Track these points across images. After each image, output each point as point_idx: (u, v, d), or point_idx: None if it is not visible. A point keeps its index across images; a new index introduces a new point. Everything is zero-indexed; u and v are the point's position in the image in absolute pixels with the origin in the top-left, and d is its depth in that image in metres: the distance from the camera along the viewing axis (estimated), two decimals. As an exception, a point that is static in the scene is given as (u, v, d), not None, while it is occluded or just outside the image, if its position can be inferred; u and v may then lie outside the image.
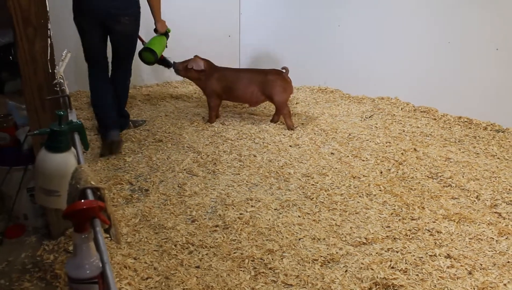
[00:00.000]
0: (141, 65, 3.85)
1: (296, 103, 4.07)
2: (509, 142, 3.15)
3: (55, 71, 1.79)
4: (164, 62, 3.51)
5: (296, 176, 2.67)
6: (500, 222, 2.20)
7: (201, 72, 3.43)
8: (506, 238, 2.08)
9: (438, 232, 2.12)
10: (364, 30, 4.12)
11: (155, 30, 3.27)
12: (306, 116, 3.72)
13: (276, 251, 1.98)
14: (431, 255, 1.95)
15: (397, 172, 2.70)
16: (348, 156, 2.93)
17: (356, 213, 2.29)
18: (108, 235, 1.15)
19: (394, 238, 2.08)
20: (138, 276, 1.81)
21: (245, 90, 3.42)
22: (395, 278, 1.79)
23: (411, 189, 2.51)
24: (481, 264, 1.89)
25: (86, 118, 3.58)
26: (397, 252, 1.98)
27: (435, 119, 3.61)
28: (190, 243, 2.03)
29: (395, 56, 3.96)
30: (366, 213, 2.29)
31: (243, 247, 2.00)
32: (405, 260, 1.91)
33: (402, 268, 1.86)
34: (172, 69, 3.54)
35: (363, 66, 4.20)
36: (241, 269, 1.87)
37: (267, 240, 2.06)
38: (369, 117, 3.67)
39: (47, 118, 1.80)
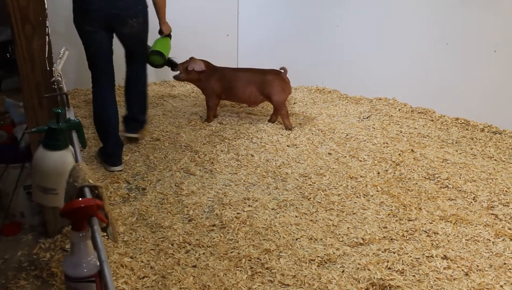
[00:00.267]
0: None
1: (294, 103, 4.08)
2: (506, 143, 3.16)
3: (53, 69, 1.79)
4: (170, 63, 3.46)
5: (293, 176, 2.68)
6: (496, 223, 2.21)
7: (202, 73, 3.42)
8: (503, 240, 2.08)
9: (435, 233, 2.12)
10: (363, 31, 4.12)
11: (160, 32, 3.20)
12: (304, 116, 3.72)
13: (273, 251, 1.98)
14: (428, 256, 1.95)
15: (394, 173, 2.70)
16: (345, 157, 2.94)
17: (353, 214, 2.29)
18: (105, 234, 1.15)
19: (391, 239, 2.08)
20: (135, 275, 1.80)
21: (244, 90, 3.42)
22: (392, 278, 1.80)
23: (408, 190, 2.52)
24: (477, 266, 1.90)
25: (83, 116, 3.57)
26: (394, 252, 1.98)
27: (432, 120, 3.61)
28: (187, 242, 2.03)
29: (393, 57, 3.96)
30: (363, 213, 2.29)
31: (240, 246, 2.00)
32: (402, 261, 1.91)
33: (399, 269, 1.86)
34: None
35: (361, 66, 4.21)
36: (238, 268, 1.87)
37: (264, 240, 2.06)
38: (367, 118, 3.67)
39: (45, 116, 1.80)
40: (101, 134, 2.76)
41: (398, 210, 2.32)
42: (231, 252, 1.96)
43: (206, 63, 3.46)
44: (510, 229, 2.16)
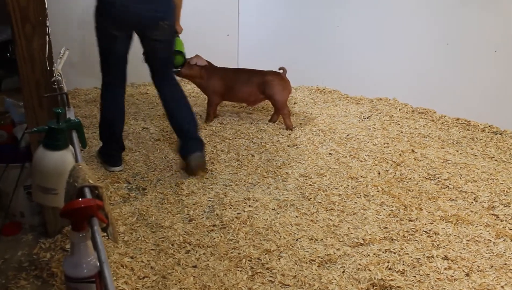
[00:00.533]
0: (138, 63, 3.84)
1: (294, 103, 4.07)
2: (507, 144, 3.15)
3: (53, 68, 1.78)
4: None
5: (294, 176, 2.67)
6: (497, 224, 2.21)
7: (203, 68, 3.42)
8: (504, 240, 2.08)
9: (435, 233, 2.12)
10: (363, 31, 4.12)
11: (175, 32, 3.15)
12: (304, 116, 3.71)
13: (273, 251, 1.97)
14: (428, 257, 1.95)
15: (395, 173, 2.70)
16: (346, 157, 2.93)
17: (353, 214, 2.29)
18: (105, 234, 1.15)
19: (392, 239, 2.08)
20: (135, 275, 1.80)
21: (244, 90, 3.42)
22: (393, 279, 1.79)
23: (409, 190, 2.52)
24: (478, 266, 1.90)
25: (84, 116, 3.57)
26: (394, 253, 1.98)
27: (433, 121, 3.61)
28: (187, 243, 2.02)
29: (394, 57, 3.96)
30: (364, 214, 2.29)
31: (241, 247, 2.00)
32: (403, 261, 1.91)
33: (399, 269, 1.86)
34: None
35: (361, 66, 4.20)
36: (238, 269, 1.86)
37: (264, 240, 2.06)
38: (367, 118, 3.67)
39: (45, 116, 1.79)
40: (105, 136, 2.69)
41: (399, 210, 2.32)
42: (232, 252, 1.96)
43: (208, 63, 3.47)
44: (511, 229, 2.16)
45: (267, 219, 2.22)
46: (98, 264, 0.94)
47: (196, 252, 1.96)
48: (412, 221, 2.22)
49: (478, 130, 3.40)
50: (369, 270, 1.86)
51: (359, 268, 1.88)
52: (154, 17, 2.42)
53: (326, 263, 1.92)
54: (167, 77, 2.69)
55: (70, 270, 0.98)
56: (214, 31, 4.89)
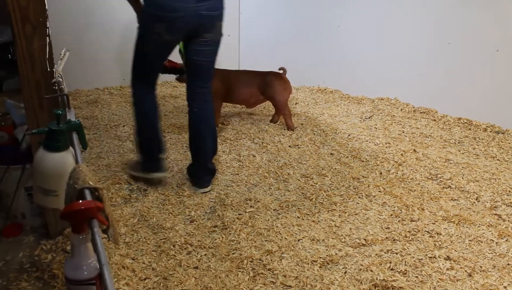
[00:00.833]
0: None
1: (296, 104, 4.07)
2: (509, 143, 3.14)
3: (54, 69, 1.78)
4: (182, 70, 3.40)
5: (295, 176, 2.67)
6: (500, 224, 2.20)
7: None
8: (506, 240, 2.07)
9: (437, 233, 2.11)
10: (364, 31, 4.11)
11: None
12: (306, 117, 3.71)
13: (275, 252, 1.97)
14: (430, 257, 1.94)
15: (397, 173, 2.69)
16: (347, 157, 2.93)
17: (355, 214, 2.28)
18: (106, 236, 1.14)
19: (394, 240, 2.07)
20: (136, 277, 1.80)
21: (245, 91, 3.41)
22: (395, 280, 1.78)
23: (411, 190, 2.51)
24: (481, 266, 1.89)
25: (84, 117, 3.57)
26: (396, 253, 1.97)
27: (434, 120, 3.60)
28: (189, 244, 2.02)
29: (395, 56, 3.95)
30: (366, 214, 2.28)
31: (242, 247, 2.00)
32: (405, 262, 1.90)
33: (401, 270, 1.85)
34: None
35: (362, 66, 4.19)
36: (239, 270, 1.86)
37: (266, 240, 2.05)
38: (369, 118, 3.66)
39: (45, 117, 1.79)
40: (147, 141, 2.46)
41: (401, 210, 2.31)
42: (233, 253, 1.96)
43: None
44: (513, 229, 2.15)
45: (268, 219, 2.22)
46: (98, 266, 0.94)
47: (197, 253, 1.96)
48: (414, 221, 2.22)
49: (480, 130, 3.39)
50: (371, 270, 1.85)
51: (361, 269, 1.87)
52: (211, 16, 2.21)
53: (328, 263, 1.91)
54: (204, 89, 2.44)
55: (71, 272, 0.98)
56: (214, 31, 4.89)
